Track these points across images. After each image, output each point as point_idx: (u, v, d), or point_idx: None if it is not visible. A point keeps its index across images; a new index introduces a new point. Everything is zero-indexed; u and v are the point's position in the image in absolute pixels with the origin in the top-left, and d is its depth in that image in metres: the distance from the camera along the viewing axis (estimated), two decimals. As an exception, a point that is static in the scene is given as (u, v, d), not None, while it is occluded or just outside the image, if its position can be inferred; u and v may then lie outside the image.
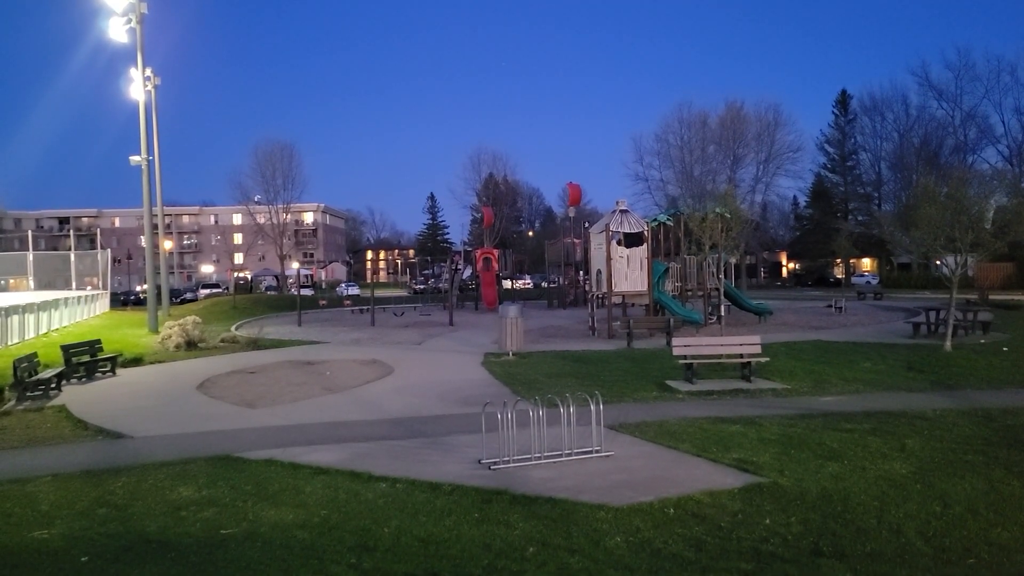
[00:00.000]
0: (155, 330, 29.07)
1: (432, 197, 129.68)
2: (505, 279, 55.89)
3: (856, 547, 6.34)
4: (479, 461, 9.36)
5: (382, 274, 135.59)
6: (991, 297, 35.60)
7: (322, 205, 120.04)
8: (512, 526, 7.06)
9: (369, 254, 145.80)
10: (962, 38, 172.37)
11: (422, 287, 73.42)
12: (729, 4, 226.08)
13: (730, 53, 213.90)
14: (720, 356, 15.70)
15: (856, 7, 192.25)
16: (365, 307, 41.14)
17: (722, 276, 29.29)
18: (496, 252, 50.55)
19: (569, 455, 9.36)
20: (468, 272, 55.80)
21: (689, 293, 30.08)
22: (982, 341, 21.15)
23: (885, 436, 10.14)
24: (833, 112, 79.73)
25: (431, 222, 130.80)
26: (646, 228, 27.08)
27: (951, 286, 20.36)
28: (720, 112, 69.45)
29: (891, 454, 9.24)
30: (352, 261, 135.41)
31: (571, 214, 53.04)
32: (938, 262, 32.84)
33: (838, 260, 74.77)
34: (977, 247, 19.92)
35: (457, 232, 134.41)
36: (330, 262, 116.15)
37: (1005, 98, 67.49)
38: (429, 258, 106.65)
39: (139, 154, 32.04)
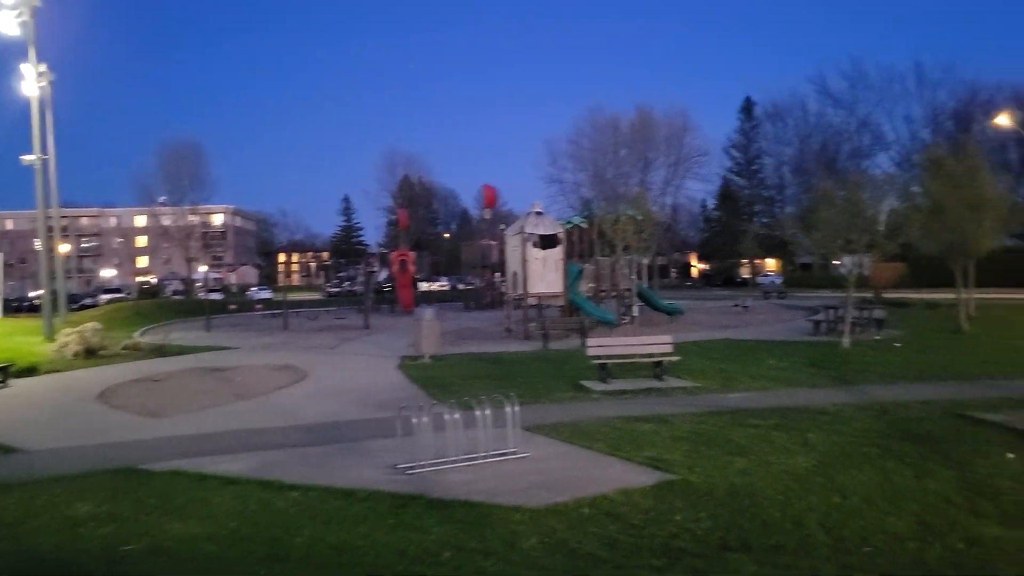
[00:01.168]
0: (51, 337, 27.58)
1: (347, 199, 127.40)
2: (421, 281, 55.58)
3: (761, 540, 6.54)
4: (395, 466, 9.25)
5: (295, 277, 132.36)
6: (885, 296, 37.40)
7: (232, 207, 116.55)
8: (427, 531, 7.01)
9: (281, 256, 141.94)
10: (856, 47, 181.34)
11: (336, 290, 72.25)
12: (636, 12, 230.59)
13: (639, 59, 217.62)
14: (633, 356, 15.95)
15: (758, 16, 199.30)
16: (277, 311, 40.15)
17: (635, 277, 29.90)
18: (412, 254, 50.28)
19: (485, 457, 9.34)
20: (384, 274, 55.26)
21: (603, 294, 30.58)
22: (877, 338, 22.23)
23: (789, 431, 10.51)
24: (738, 118, 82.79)
25: (346, 224, 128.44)
26: (561, 230, 27.39)
27: (848, 285, 21.33)
28: (631, 116, 71.06)
29: (794, 448, 9.59)
30: (263, 264, 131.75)
31: (487, 216, 53.37)
32: (836, 262, 34.38)
33: (744, 260, 77.59)
34: (872, 248, 20.93)
35: (372, 234, 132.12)
36: (240, 265, 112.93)
37: (896, 107, 71.60)
38: (344, 260, 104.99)
39: (32, 153, 30.39)
